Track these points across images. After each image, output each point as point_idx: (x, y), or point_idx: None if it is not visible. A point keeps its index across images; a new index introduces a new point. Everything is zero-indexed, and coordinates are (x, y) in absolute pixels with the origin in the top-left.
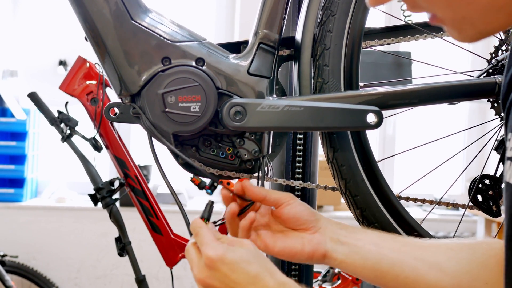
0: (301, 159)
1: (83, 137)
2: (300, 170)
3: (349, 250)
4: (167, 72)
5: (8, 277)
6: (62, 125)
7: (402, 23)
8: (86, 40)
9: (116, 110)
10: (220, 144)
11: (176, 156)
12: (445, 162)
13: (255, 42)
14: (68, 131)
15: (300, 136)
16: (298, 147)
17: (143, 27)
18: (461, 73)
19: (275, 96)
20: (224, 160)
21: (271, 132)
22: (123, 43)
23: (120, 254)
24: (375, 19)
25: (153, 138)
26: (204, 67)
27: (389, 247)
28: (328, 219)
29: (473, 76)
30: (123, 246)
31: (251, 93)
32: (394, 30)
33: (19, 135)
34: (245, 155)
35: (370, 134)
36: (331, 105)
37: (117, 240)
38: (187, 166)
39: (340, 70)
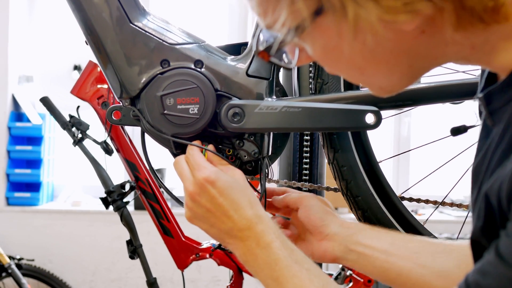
0: (308, 160)
1: (94, 140)
2: (308, 171)
3: (357, 257)
4: (165, 75)
5: (24, 280)
6: (74, 129)
7: None
8: (87, 44)
9: (119, 113)
10: (220, 146)
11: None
12: (448, 162)
13: (254, 43)
14: (80, 135)
15: (307, 137)
16: (305, 149)
17: (142, 30)
18: (464, 72)
19: (274, 97)
20: None
21: (271, 133)
22: (122, 46)
23: (131, 257)
24: None
25: (145, 140)
26: (202, 69)
27: (398, 254)
28: (339, 223)
29: (475, 75)
30: (134, 249)
31: (250, 95)
32: None
33: (35, 140)
34: (245, 156)
35: (384, 135)
36: (329, 105)
37: (128, 243)
38: None
39: None
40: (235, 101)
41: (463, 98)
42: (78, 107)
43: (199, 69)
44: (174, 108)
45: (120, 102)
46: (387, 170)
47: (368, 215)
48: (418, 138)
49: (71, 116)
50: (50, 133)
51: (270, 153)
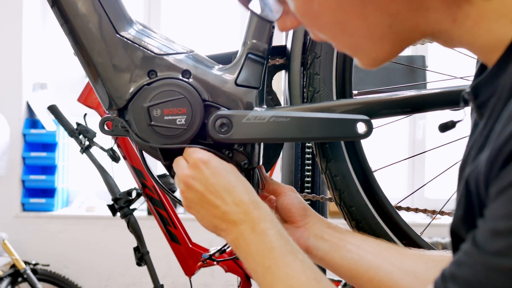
0: (310, 167)
1: (102, 148)
2: (310, 179)
3: (329, 248)
4: (152, 86)
5: (40, 285)
6: (81, 136)
7: None
8: (75, 55)
9: (111, 123)
10: None
11: (168, 168)
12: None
13: (243, 52)
14: (87, 143)
15: (309, 144)
16: (307, 156)
17: (128, 41)
18: (461, 78)
19: (265, 106)
20: None
21: (261, 143)
22: (109, 58)
23: (139, 264)
24: None
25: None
26: (190, 79)
27: (370, 250)
28: (320, 218)
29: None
30: (141, 255)
31: (239, 104)
32: None
33: (50, 146)
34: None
35: (399, 138)
36: (319, 115)
37: (136, 250)
38: None
39: (332, 78)
40: (222, 111)
41: (462, 105)
42: (85, 114)
43: (186, 79)
44: (161, 119)
45: (109, 114)
46: (402, 173)
47: (362, 225)
48: (434, 140)
49: (78, 124)
50: (64, 140)
51: (261, 163)
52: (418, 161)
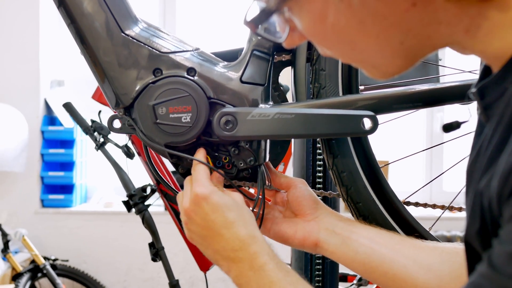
0: (321, 162)
1: (116, 144)
2: (321, 174)
3: (341, 242)
4: (157, 84)
5: (59, 280)
6: (96, 133)
7: None
8: (82, 54)
9: (120, 121)
10: (216, 154)
11: (176, 166)
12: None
13: (248, 49)
14: (102, 139)
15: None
16: (318, 151)
17: (133, 40)
18: (470, 72)
19: (271, 103)
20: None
21: (267, 140)
22: (115, 56)
23: (154, 260)
24: None
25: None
26: (195, 77)
27: (383, 243)
28: (331, 211)
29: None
30: (156, 251)
31: (244, 102)
32: None
33: (67, 143)
34: (241, 164)
35: (417, 131)
36: (323, 111)
37: (151, 245)
38: (188, 174)
39: (338, 74)
40: (227, 108)
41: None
42: (100, 111)
43: (191, 77)
44: (166, 117)
45: (116, 112)
46: (420, 167)
47: (369, 221)
48: (452, 133)
49: (92, 121)
50: (81, 136)
51: (267, 160)
52: (435, 155)
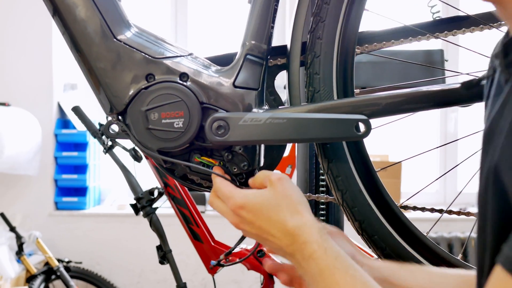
0: None
1: (124, 148)
2: (324, 177)
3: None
4: (149, 89)
5: (72, 282)
6: (104, 137)
7: (401, 24)
8: (76, 62)
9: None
10: (210, 159)
11: (171, 171)
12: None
13: (242, 53)
14: (110, 143)
15: None
16: None
17: (126, 45)
18: (467, 74)
19: (265, 107)
20: None
21: (261, 145)
22: (107, 62)
23: (161, 262)
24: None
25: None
26: (188, 82)
27: (401, 273)
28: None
29: (477, 77)
30: (164, 254)
31: (237, 106)
32: (396, 32)
33: (81, 146)
34: (235, 169)
35: (431, 132)
36: (316, 115)
37: (158, 248)
38: (184, 179)
39: (332, 78)
40: (219, 114)
41: (472, 102)
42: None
43: (184, 82)
44: (158, 122)
45: (111, 118)
46: (434, 167)
47: (365, 226)
48: (466, 133)
49: (100, 125)
50: (94, 139)
51: (262, 165)
52: (449, 155)
